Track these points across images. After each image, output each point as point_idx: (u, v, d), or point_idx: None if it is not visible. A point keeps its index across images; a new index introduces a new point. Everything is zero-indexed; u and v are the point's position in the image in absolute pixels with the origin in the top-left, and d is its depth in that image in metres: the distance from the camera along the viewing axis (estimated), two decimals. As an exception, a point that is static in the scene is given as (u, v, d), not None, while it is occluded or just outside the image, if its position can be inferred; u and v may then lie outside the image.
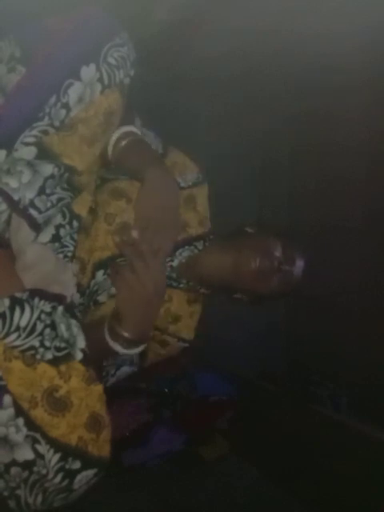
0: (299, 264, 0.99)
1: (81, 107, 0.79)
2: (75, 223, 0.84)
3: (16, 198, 0.76)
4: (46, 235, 0.81)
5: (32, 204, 0.77)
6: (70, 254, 0.83)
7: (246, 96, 2.06)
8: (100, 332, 0.81)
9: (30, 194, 0.77)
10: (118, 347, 0.80)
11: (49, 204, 0.79)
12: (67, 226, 0.83)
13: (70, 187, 0.82)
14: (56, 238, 0.82)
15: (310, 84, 1.99)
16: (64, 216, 0.83)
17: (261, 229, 1.05)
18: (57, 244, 0.82)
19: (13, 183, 0.76)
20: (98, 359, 0.83)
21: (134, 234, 0.82)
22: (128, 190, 0.95)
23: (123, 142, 0.89)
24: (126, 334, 0.79)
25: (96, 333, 0.80)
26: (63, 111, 0.78)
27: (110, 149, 0.89)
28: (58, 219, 0.82)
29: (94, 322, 0.89)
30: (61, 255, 0.82)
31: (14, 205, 0.77)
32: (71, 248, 0.84)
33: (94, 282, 0.91)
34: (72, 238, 0.84)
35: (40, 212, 0.78)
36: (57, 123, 0.78)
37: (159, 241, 0.83)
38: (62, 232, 0.82)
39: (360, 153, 1.96)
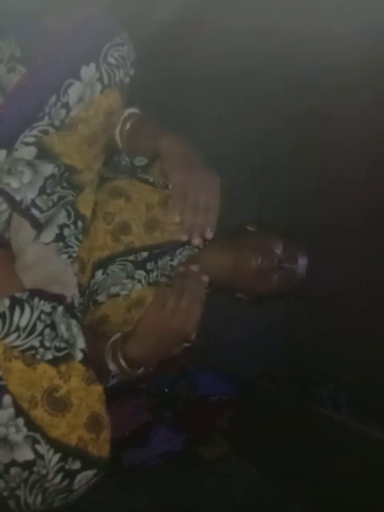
0: (302, 262, 0.99)
1: (81, 107, 0.79)
2: (80, 223, 0.84)
3: (18, 198, 0.76)
4: (50, 235, 0.81)
5: (34, 204, 0.77)
6: (74, 255, 0.83)
7: (245, 96, 2.06)
8: (101, 345, 0.80)
9: (31, 194, 0.77)
10: (111, 366, 0.79)
11: (50, 203, 0.79)
12: (72, 226, 0.83)
13: (70, 186, 0.82)
14: (60, 237, 0.82)
15: (309, 84, 1.99)
16: (69, 216, 0.83)
17: (262, 227, 1.05)
18: (61, 244, 0.82)
19: (14, 183, 0.76)
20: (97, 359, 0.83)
21: (194, 268, 0.81)
22: (127, 189, 0.95)
23: (128, 125, 0.88)
24: (128, 352, 0.78)
25: (97, 344, 0.80)
26: (63, 111, 0.78)
27: (118, 139, 0.89)
28: (63, 219, 0.82)
29: (100, 333, 0.89)
30: (65, 255, 0.82)
31: (15, 205, 0.77)
32: (76, 248, 0.83)
33: (94, 281, 0.91)
34: (77, 239, 0.84)
35: (42, 211, 0.78)
36: (57, 123, 0.78)
37: (202, 221, 0.78)
38: (66, 232, 0.82)
39: (360, 153, 1.96)
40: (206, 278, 0.81)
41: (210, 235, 0.79)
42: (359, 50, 1.65)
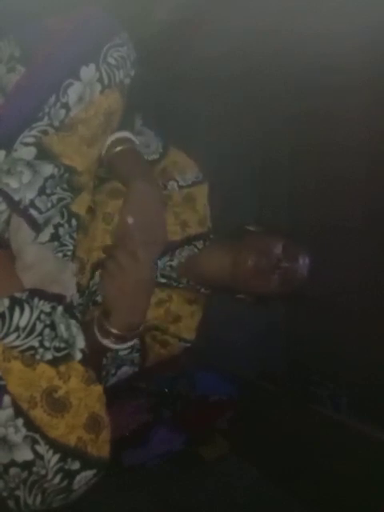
0: (303, 261, 0.98)
1: (80, 107, 0.79)
2: (74, 222, 0.84)
3: (16, 198, 0.76)
4: (45, 234, 0.81)
5: (32, 204, 0.77)
6: (69, 253, 0.83)
7: (245, 96, 2.06)
8: (90, 330, 0.80)
9: (30, 195, 0.77)
10: (108, 343, 0.79)
11: (49, 204, 0.79)
12: (66, 225, 0.83)
13: (69, 187, 0.83)
14: (55, 237, 0.82)
15: (309, 84, 1.99)
16: (62, 215, 0.83)
17: (262, 227, 1.05)
18: (56, 243, 0.82)
19: (13, 184, 0.76)
20: (96, 359, 0.83)
21: (130, 220, 0.81)
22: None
23: (117, 148, 0.88)
24: (114, 329, 0.78)
25: (86, 331, 0.79)
26: (63, 111, 0.78)
27: (103, 150, 0.89)
28: (57, 218, 0.82)
29: (85, 322, 0.89)
30: (60, 254, 0.82)
31: (14, 205, 0.77)
32: (70, 247, 0.84)
33: (93, 282, 0.91)
34: (71, 237, 0.84)
35: (40, 212, 0.78)
36: (56, 123, 0.78)
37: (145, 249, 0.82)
38: (60, 231, 0.82)
39: (360, 153, 1.96)
40: (130, 220, 0.81)
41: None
42: (359, 50, 1.64)
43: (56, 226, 0.82)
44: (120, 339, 0.80)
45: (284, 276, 0.95)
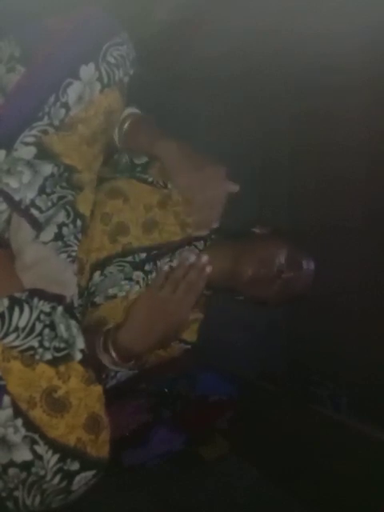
0: (308, 268, 0.96)
1: (80, 106, 0.79)
2: (79, 222, 0.84)
3: (17, 198, 0.76)
4: (49, 234, 0.81)
5: (33, 204, 0.77)
6: (73, 254, 0.83)
7: (245, 96, 2.06)
8: (92, 339, 0.79)
9: (30, 194, 0.77)
10: (103, 358, 0.78)
11: (49, 203, 0.79)
12: (71, 225, 0.83)
13: (69, 186, 0.82)
14: (59, 236, 0.81)
15: (309, 84, 1.99)
16: (68, 215, 0.83)
17: (267, 231, 1.03)
18: (60, 243, 0.81)
19: (13, 183, 0.76)
20: (96, 360, 0.82)
21: (204, 259, 0.80)
22: (125, 189, 0.95)
23: (126, 125, 0.88)
24: (119, 341, 0.77)
25: (91, 336, 0.78)
26: (63, 110, 0.78)
27: (116, 137, 0.89)
28: (61, 218, 0.82)
29: (90, 327, 0.88)
30: (64, 255, 0.82)
31: (15, 205, 0.77)
32: (75, 247, 0.83)
33: (91, 283, 0.91)
34: (76, 238, 0.84)
35: (41, 211, 0.78)
36: (56, 123, 0.78)
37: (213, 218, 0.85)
38: (64, 231, 0.82)
39: (360, 153, 1.96)
40: (209, 269, 0.80)
41: (215, 225, 0.93)
42: (359, 50, 1.65)
43: (60, 226, 0.81)
44: (113, 362, 0.78)
45: (285, 285, 0.94)
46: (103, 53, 0.79)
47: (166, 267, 0.83)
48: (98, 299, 0.92)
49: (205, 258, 0.81)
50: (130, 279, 0.93)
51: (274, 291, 0.94)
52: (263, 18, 1.59)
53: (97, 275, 0.91)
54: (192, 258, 0.80)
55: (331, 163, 2.09)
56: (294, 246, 0.97)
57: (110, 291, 0.92)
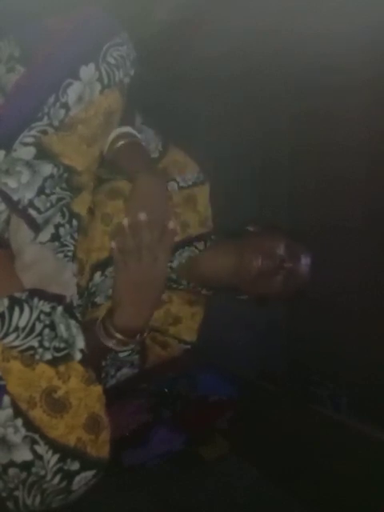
0: (305, 261, 0.97)
1: (80, 107, 0.79)
2: (75, 222, 0.84)
3: (15, 198, 0.76)
4: (46, 234, 0.81)
5: (31, 204, 0.77)
6: (70, 254, 0.83)
7: (245, 96, 2.05)
8: (93, 329, 0.79)
9: (29, 195, 0.77)
10: (110, 343, 0.78)
11: (48, 204, 0.79)
12: (67, 225, 0.83)
13: (69, 187, 0.82)
14: (55, 237, 0.81)
15: (309, 84, 1.99)
16: (63, 215, 0.83)
17: (263, 228, 1.05)
18: (57, 243, 0.82)
19: (12, 183, 0.76)
20: (96, 360, 0.82)
21: (142, 216, 0.77)
22: (125, 190, 0.95)
23: (120, 143, 0.88)
24: (116, 332, 0.77)
25: (89, 330, 0.78)
26: (62, 111, 0.78)
27: (105, 147, 0.89)
28: (57, 218, 0.82)
29: (86, 321, 0.88)
30: (61, 255, 0.82)
31: (13, 205, 0.77)
32: (71, 247, 0.83)
33: (92, 283, 0.91)
34: (72, 238, 0.84)
35: (39, 212, 0.78)
36: (56, 123, 0.78)
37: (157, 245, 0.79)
38: (61, 231, 0.82)
39: (360, 153, 1.96)
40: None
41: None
42: (359, 50, 1.65)
43: (57, 226, 0.82)
44: (121, 343, 0.78)
45: (288, 276, 0.94)
46: (103, 53, 0.79)
47: (112, 244, 0.79)
48: (98, 299, 0.92)
49: (142, 217, 0.78)
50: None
51: (277, 284, 0.94)
52: (263, 18, 1.59)
53: (97, 275, 0.91)
54: (125, 222, 0.78)
55: (331, 163, 2.09)
56: (290, 239, 0.98)
57: (111, 291, 0.92)
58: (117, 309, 0.77)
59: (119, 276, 0.78)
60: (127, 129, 0.90)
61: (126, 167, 0.89)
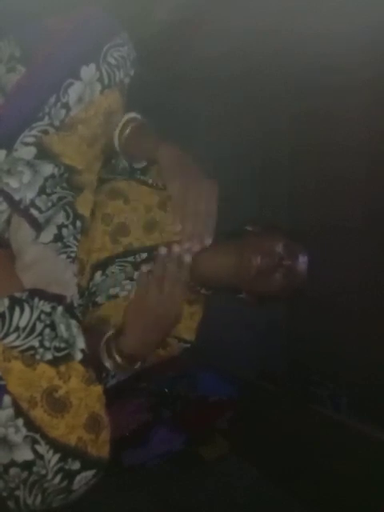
0: (302, 259, 0.98)
1: (81, 107, 0.79)
2: (78, 223, 0.84)
3: (17, 198, 0.76)
4: (48, 235, 0.81)
5: (33, 204, 0.77)
6: (73, 255, 0.83)
7: (245, 96, 2.06)
8: (96, 342, 0.79)
9: (30, 194, 0.77)
10: (107, 363, 0.78)
11: (49, 203, 0.79)
12: (70, 226, 0.83)
13: (69, 186, 0.82)
14: (58, 237, 0.81)
15: (310, 84, 2.00)
16: (67, 216, 0.83)
17: (261, 227, 1.05)
18: (59, 244, 0.82)
19: (13, 183, 0.76)
20: (96, 360, 0.82)
21: (176, 249, 0.79)
22: (126, 190, 0.95)
23: (127, 130, 0.89)
24: (122, 348, 0.77)
25: (92, 342, 0.78)
26: (63, 111, 0.78)
27: (115, 141, 0.89)
28: (61, 219, 0.82)
29: (93, 330, 0.88)
30: (64, 256, 0.82)
31: (14, 205, 0.77)
32: (74, 248, 0.83)
33: (93, 283, 0.91)
34: (75, 239, 0.84)
35: (41, 212, 0.78)
36: (57, 123, 0.78)
37: (202, 229, 0.82)
38: (64, 232, 0.82)
39: (360, 153, 1.96)
40: (188, 259, 0.80)
41: (208, 242, 0.87)
42: (359, 50, 1.65)
43: (59, 227, 0.82)
44: (119, 366, 0.78)
45: (286, 274, 0.95)
46: (104, 53, 0.79)
47: (143, 269, 0.81)
48: (99, 299, 0.92)
49: (176, 249, 0.80)
50: (132, 279, 0.94)
51: (276, 282, 0.94)
52: (263, 18, 1.59)
53: (98, 275, 0.91)
54: (163, 251, 0.79)
55: (331, 163, 2.09)
56: (288, 237, 0.98)
57: (112, 291, 0.92)
58: (124, 332, 0.78)
59: (137, 301, 0.79)
60: (129, 115, 0.91)
61: (142, 149, 0.89)
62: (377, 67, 1.72)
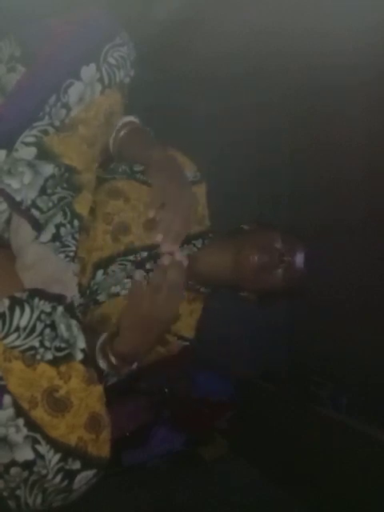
0: (300, 256, 0.98)
1: (81, 107, 0.80)
2: (76, 222, 0.84)
3: (18, 198, 0.76)
4: (47, 234, 0.81)
5: (34, 204, 0.78)
6: (71, 254, 0.83)
7: (245, 96, 2.06)
8: (92, 342, 0.79)
9: (31, 195, 0.77)
10: (102, 364, 0.78)
11: (50, 204, 0.80)
12: (68, 226, 0.83)
13: (69, 186, 0.83)
14: (56, 237, 0.82)
15: (310, 84, 1.99)
16: (65, 215, 0.83)
17: (258, 225, 1.05)
18: (58, 243, 0.82)
19: (14, 184, 0.76)
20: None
21: (178, 256, 0.78)
22: (126, 190, 0.95)
23: (122, 132, 0.89)
24: (117, 349, 0.77)
25: (88, 342, 0.78)
26: (63, 111, 0.78)
27: (111, 143, 0.90)
28: (59, 218, 0.82)
29: (90, 331, 0.88)
30: (62, 255, 0.82)
31: (15, 205, 0.77)
32: (73, 248, 0.83)
33: (94, 281, 0.91)
34: (73, 238, 0.84)
35: (42, 212, 0.79)
36: (57, 123, 0.78)
37: (178, 225, 0.80)
38: (62, 231, 0.82)
39: (360, 153, 1.96)
40: (185, 262, 0.79)
41: (184, 233, 0.83)
42: (359, 50, 1.65)
43: (57, 226, 0.82)
44: (114, 368, 0.78)
45: (287, 269, 0.95)
46: (104, 54, 0.79)
47: (136, 275, 0.80)
48: (100, 297, 0.93)
49: (178, 254, 0.79)
50: (132, 278, 0.94)
51: (278, 278, 0.95)
52: (263, 18, 1.59)
53: (99, 274, 0.91)
54: (167, 260, 0.79)
55: (331, 163, 2.09)
56: (286, 233, 0.99)
57: (113, 289, 0.93)
58: (120, 334, 0.78)
59: (133, 304, 0.78)
60: (126, 118, 0.91)
61: (135, 153, 0.90)
62: (377, 67, 1.72)
